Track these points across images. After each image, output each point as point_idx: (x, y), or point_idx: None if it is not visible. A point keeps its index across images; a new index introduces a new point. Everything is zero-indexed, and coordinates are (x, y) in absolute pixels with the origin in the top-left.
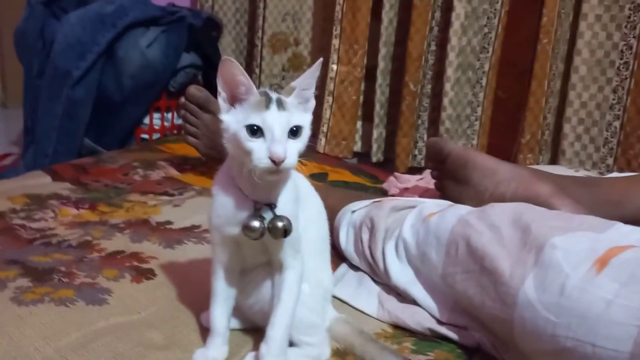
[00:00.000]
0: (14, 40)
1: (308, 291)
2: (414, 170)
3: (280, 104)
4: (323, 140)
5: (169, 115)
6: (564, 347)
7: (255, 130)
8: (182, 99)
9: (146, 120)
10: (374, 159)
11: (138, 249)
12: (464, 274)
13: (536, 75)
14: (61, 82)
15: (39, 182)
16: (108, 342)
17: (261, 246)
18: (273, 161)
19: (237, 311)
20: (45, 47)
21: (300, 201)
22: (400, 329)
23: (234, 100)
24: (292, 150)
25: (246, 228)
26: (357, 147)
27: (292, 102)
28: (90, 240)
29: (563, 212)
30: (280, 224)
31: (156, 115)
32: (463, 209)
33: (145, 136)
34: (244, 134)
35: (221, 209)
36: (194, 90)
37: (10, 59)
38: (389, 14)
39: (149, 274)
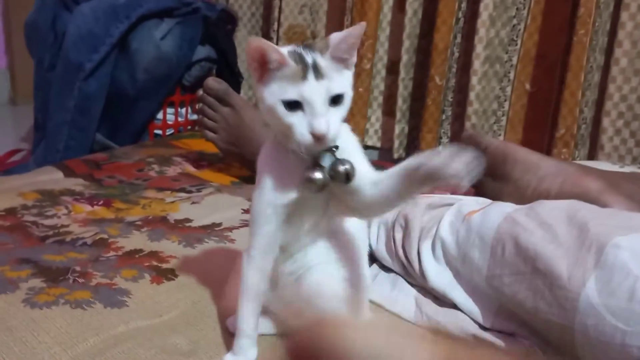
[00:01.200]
0: (25, 33)
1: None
2: None
3: (318, 72)
4: None
5: (183, 110)
6: (637, 359)
7: (293, 104)
8: (200, 92)
9: (159, 115)
10: (396, 155)
11: (157, 248)
12: (512, 275)
13: (571, 68)
14: (73, 75)
15: (51, 177)
16: (129, 349)
17: (324, 205)
18: (316, 136)
19: (269, 313)
20: (57, 40)
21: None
22: None
23: (267, 75)
24: (334, 120)
25: (307, 181)
26: (373, 141)
27: (329, 65)
28: (106, 238)
29: (618, 209)
30: (342, 168)
31: (170, 111)
32: (508, 207)
33: (159, 132)
34: (281, 110)
35: (275, 178)
36: (213, 82)
37: (19, 56)
38: (413, 5)
39: (169, 275)
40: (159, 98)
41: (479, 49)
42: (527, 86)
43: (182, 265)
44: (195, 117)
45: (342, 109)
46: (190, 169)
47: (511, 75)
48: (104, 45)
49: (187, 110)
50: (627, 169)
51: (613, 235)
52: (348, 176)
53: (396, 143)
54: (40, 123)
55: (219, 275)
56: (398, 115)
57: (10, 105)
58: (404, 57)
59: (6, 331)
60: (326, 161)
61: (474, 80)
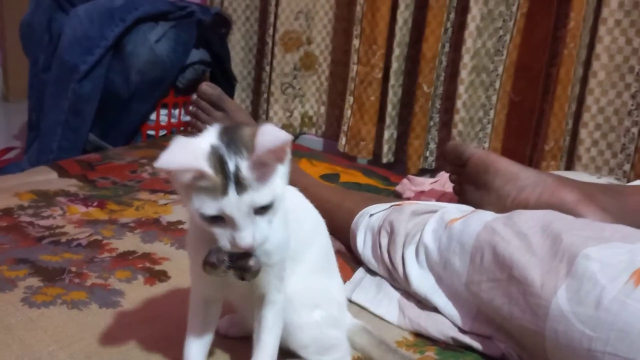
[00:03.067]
0: (20, 33)
1: (321, 316)
2: (425, 172)
3: (240, 184)
4: (344, 139)
5: (176, 112)
6: None
7: (215, 217)
8: (194, 96)
9: (153, 116)
10: (384, 160)
11: (149, 250)
12: (489, 282)
13: (561, 80)
14: (68, 76)
15: (45, 178)
16: (125, 349)
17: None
18: (239, 248)
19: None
20: (52, 41)
21: (296, 212)
22: (422, 337)
23: (185, 186)
24: (261, 229)
25: (206, 264)
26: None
27: (253, 175)
28: (100, 240)
29: (591, 220)
30: (250, 263)
31: (163, 112)
32: (488, 215)
33: (152, 132)
34: (202, 222)
35: (196, 236)
36: (207, 87)
37: (12, 53)
38: (404, 15)
39: (162, 276)
40: (152, 100)
41: (466, 58)
42: (512, 96)
43: (174, 267)
44: (188, 118)
45: (271, 214)
46: None
47: (497, 85)
48: (98, 48)
49: (180, 112)
50: (604, 180)
51: (584, 246)
52: (242, 276)
53: (385, 148)
54: (34, 122)
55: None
56: (387, 121)
57: (3, 102)
58: (394, 65)
59: (4, 329)
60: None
61: (460, 89)
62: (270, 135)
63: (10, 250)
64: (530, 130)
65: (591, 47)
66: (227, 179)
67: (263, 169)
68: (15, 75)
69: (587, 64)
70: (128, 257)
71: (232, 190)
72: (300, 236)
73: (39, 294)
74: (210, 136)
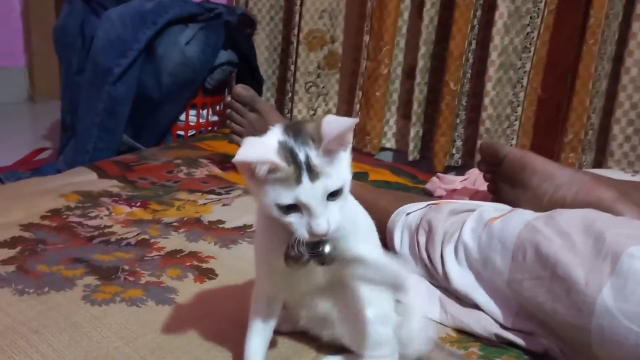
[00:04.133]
0: (54, 37)
1: (373, 314)
2: (451, 170)
3: (312, 171)
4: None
5: (204, 112)
6: None
7: (290, 206)
8: (229, 98)
9: (182, 117)
10: (410, 158)
11: (195, 249)
12: (532, 280)
13: (580, 76)
14: (102, 79)
15: (86, 179)
16: (185, 344)
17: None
18: (316, 235)
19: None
20: (85, 44)
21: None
22: (465, 334)
23: (260, 180)
24: (334, 214)
25: (286, 256)
26: (392, 144)
27: (323, 162)
28: (147, 239)
29: (630, 218)
30: (327, 250)
31: (192, 112)
32: (528, 214)
33: (181, 133)
34: (277, 212)
35: (265, 236)
36: (241, 89)
37: (38, 54)
38: (429, 12)
39: (210, 274)
40: (182, 101)
41: (494, 55)
42: (539, 92)
43: (221, 265)
44: (215, 118)
45: (342, 199)
46: (216, 171)
47: (524, 82)
48: (131, 50)
49: (208, 112)
50: (638, 177)
51: (627, 245)
52: (324, 260)
53: (411, 146)
54: (68, 124)
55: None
56: (413, 118)
57: (29, 103)
58: (420, 63)
59: (72, 326)
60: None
61: (488, 86)
62: (335, 122)
63: (65, 250)
64: (557, 126)
65: (623, 43)
66: (299, 169)
67: (331, 155)
68: (41, 76)
69: (619, 60)
70: (176, 256)
71: (305, 179)
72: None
73: (98, 292)
74: (275, 134)
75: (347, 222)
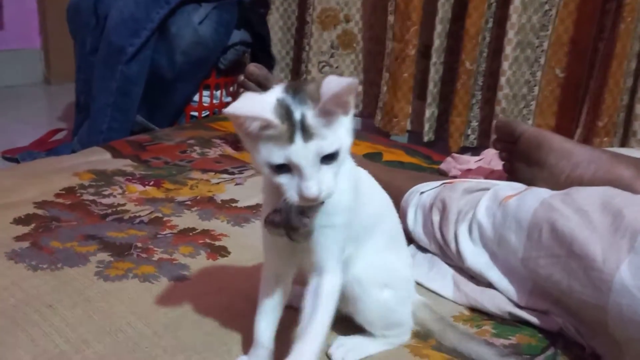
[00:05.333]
0: (67, 16)
1: (390, 295)
2: (466, 150)
3: (307, 131)
4: (379, 115)
5: (218, 92)
6: None
7: (281, 166)
8: (241, 77)
9: (195, 97)
10: (426, 138)
11: (208, 227)
12: (548, 258)
13: (617, 56)
14: (115, 58)
15: (100, 158)
16: (197, 319)
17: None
18: (305, 199)
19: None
20: (99, 23)
21: (365, 195)
22: (478, 312)
23: (253, 137)
24: (327, 179)
25: (267, 223)
26: (407, 124)
27: (319, 122)
28: (160, 217)
29: None
30: (301, 222)
31: (205, 93)
32: (544, 192)
33: (195, 113)
34: (268, 172)
35: (264, 206)
36: (254, 68)
37: (53, 36)
38: None
39: (222, 252)
40: (195, 81)
41: (511, 34)
42: (558, 72)
43: (233, 243)
44: (229, 99)
45: (337, 164)
46: (229, 151)
47: (542, 61)
48: (144, 30)
49: (221, 93)
50: None
51: None
52: (290, 235)
53: (426, 126)
54: (82, 104)
55: None
56: (429, 99)
57: (45, 84)
58: (436, 42)
59: (85, 301)
60: (287, 210)
61: (505, 65)
62: (334, 82)
63: (78, 227)
64: (575, 106)
65: None
66: (293, 127)
67: (328, 117)
68: (57, 58)
69: None
70: (189, 234)
71: (298, 138)
72: (374, 209)
73: (111, 268)
74: (276, 92)
75: (338, 203)
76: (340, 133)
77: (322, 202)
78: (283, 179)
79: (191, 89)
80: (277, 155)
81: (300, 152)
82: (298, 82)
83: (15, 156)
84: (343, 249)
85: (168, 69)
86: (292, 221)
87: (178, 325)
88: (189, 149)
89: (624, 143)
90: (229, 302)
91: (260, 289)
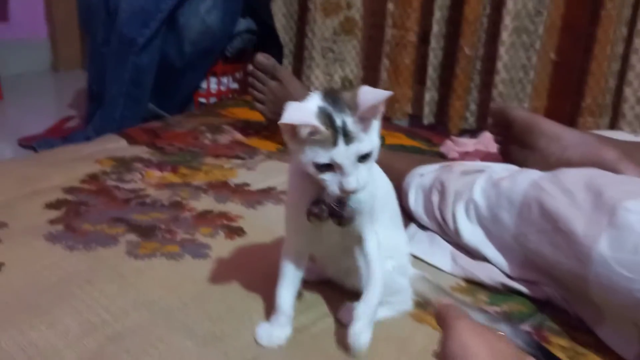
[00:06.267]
0: (79, 11)
1: (393, 266)
2: (465, 133)
3: (347, 136)
4: None
5: (225, 80)
6: (639, 300)
7: (325, 165)
8: (250, 67)
9: (203, 84)
10: (426, 122)
11: (224, 209)
12: (537, 234)
13: (599, 40)
14: (127, 49)
15: (117, 145)
16: (221, 294)
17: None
18: (346, 192)
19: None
20: (110, 15)
21: (377, 178)
22: (474, 284)
23: (299, 138)
24: (363, 175)
25: (311, 214)
26: (408, 108)
27: (357, 128)
28: (179, 201)
29: (631, 176)
30: (346, 214)
31: (213, 80)
32: (534, 174)
33: (203, 100)
34: (313, 170)
35: (295, 195)
36: (262, 58)
37: (60, 24)
38: None
39: (239, 232)
40: (203, 69)
41: (507, 20)
42: (552, 56)
43: (248, 224)
44: (236, 86)
45: (371, 162)
46: (239, 137)
47: (537, 45)
48: (154, 21)
49: (228, 80)
50: None
51: (624, 200)
52: (340, 222)
53: (426, 110)
54: (95, 93)
55: (281, 232)
56: (428, 83)
57: (52, 72)
58: (435, 28)
59: (119, 277)
60: (330, 200)
61: (501, 50)
62: (371, 93)
63: (105, 211)
64: (570, 89)
65: (636, 6)
66: (336, 133)
67: (364, 123)
68: (64, 46)
69: (632, 23)
70: (207, 216)
71: (341, 142)
72: (378, 197)
73: (140, 247)
74: (315, 100)
75: (367, 192)
76: (373, 135)
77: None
78: (326, 176)
79: (199, 76)
80: (323, 156)
81: (343, 153)
82: (334, 91)
83: (31, 144)
84: (374, 221)
85: (177, 58)
86: (337, 212)
87: (204, 298)
88: (200, 136)
89: (613, 124)
90: (248, 277)
91: (281, 263)
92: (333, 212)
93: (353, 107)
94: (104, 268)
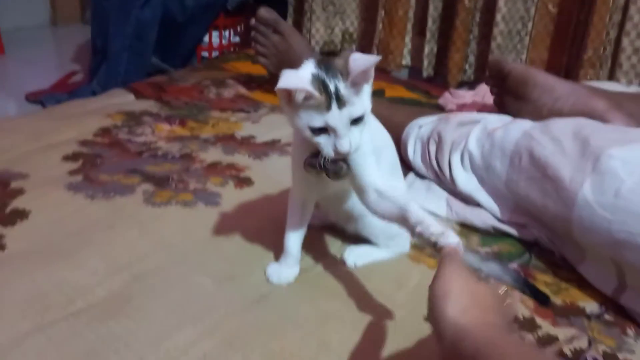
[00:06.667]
0: None
1: None
2: (464, 84)
3: (340, 100)
4: (375, 52)
5: (226, 33)
6: (618, 240)
7: (320, 129)
8: (253, 21)
9: (205, 38)
10: (425, 74)
11: (232, 161)
12: (526, 180)
13: None
14: (129, 4)
15: (125, 100)
16: (234, 237)
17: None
18: (339, 154)
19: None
20: None
21: (375, 129)
22: (467, 227)
23: (295, 103)
24: (355, 137)
25: (307, 165)
26: (407, 61)
27: (349, 92)
28: (189, 153)
29: (618, 125)
30: (332, 166)
31: (214, 34)
32: (526, 124)
33: (205, 54)
34: (308, 133)
35: (297, 150)
36: (264, 12)
37: None
38: None
39: (247, 182)
40: (205, 23)
41: None
42: (551, 7)
43: (255, 174)
44: (237, 40)
45: (362, 124)
46: (243, 90)
47: None
48: None
49: (230, 33)
50: (633, 88)
51: (608, 147)
52: (336, 175)
53: (425, 62)
54: (99, 48)
55: (287, 182)
56: (428, 35)
57: (52, 26)
58: None
59: (139, 224)
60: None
61: (500, 2)
62: (361, 59)
63: (120, 163)
64: (567, 40)
65: None
66: (329, 98)
67: (355, 88)
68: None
69: None
70: (216, 167)
71: (334, 106)
72: (376, 146)
73: (156, 196)
74: (309, 67)
75: (362, 151)
76: (365, 99)
77: None
78: (321, 139)
79: (201, 30)
80: (317, 120)
81: (336, 117)
82: (326, 59)
83: (38, 99)
84: (376, 167)
85: (179, 12)
86: (330, 167)
87: (218, 241)
88: (205, 90)
89: (612, 75)
90: (257, 222)
91: (289, 210)
92: (326, 166)
93: (345, 73)
94: (124, 215)
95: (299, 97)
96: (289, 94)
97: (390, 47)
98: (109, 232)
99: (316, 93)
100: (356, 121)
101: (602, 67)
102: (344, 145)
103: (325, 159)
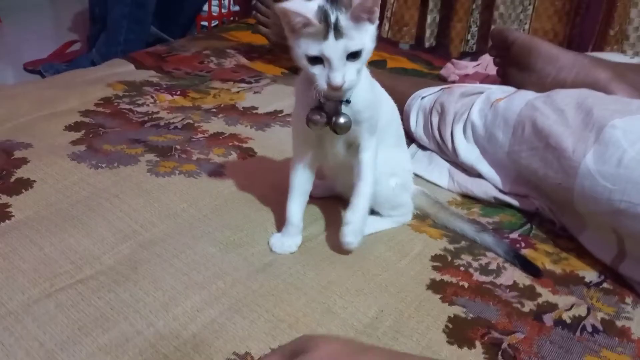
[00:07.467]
0: None
1: (396, 182)
2: (466, 55)
3: (338, 31)
4: (387, 25)
5: (226, 2)
6: (618, 209)
7: (316, 58)
8: None
9: (205, 7)
10: (427, 44)
11: (234, 131)
12: (529, 150)
13: None
14: None
15: (125, 69)
16: (237, 205)
17: (343, 139)
18: (332, 87)
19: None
20: None
21: (381, 98)
22: (469, 198)
23: (296, 32)
24: (350, 73)
25: (309, 121)
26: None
27: (349, 25)
28: (192, 123)
29: (621, 96)
30: (341, 120)
31: (214, 3)
32: (530, 94)
33: (205, 23)
34: (305, 63)
35: (299, 106)
36: None
37: None
38: None
39: (250, 152)
40: None
41: None
42: None
43: (258, 145)
44: (237, 8)
45: (359, 62)
46: (243, 60)
47: None
48: None
49: (229, 2)
50: (636, 59)
51: (611, 118)
52: (337, 129)
53: (427, 32)
54: (98, 16)
55: (289, 152)
56: (430, 5)
57: None
58: None
59: (144, 193)
60: (328, 108)
61: None
62: None
63: (123, 133)
64: (570, 11)
65: None
66: (328, 27)
67: (357, 22)
68: None
69: None
70: (219, 137)
71: (331, 36)
72: (383, 117)
73: (160, 166)
74: (318, 0)
75: (363, 101)
76: (365, 37)
77: (349, 101)
78: (316, 70)
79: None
80: (313, 48)
81: (332, 47)
82: None
83: (37, 68)
84: (374, 132)
85: None
86: (333, 120)
87: (222, 210)
88: (206, 60)
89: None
90: (261, 192)
91: (290, 179)
92: (329, 119)
93: (348, 6)
94: (129, 184)
95: (297, 22)
96: (289, 18)
97: (404, 19)
98: (115, 201)
99: (315, 20)
100: (353, 57)
101: (620, 41)
102: (337, 78)
103: (329, 113)
